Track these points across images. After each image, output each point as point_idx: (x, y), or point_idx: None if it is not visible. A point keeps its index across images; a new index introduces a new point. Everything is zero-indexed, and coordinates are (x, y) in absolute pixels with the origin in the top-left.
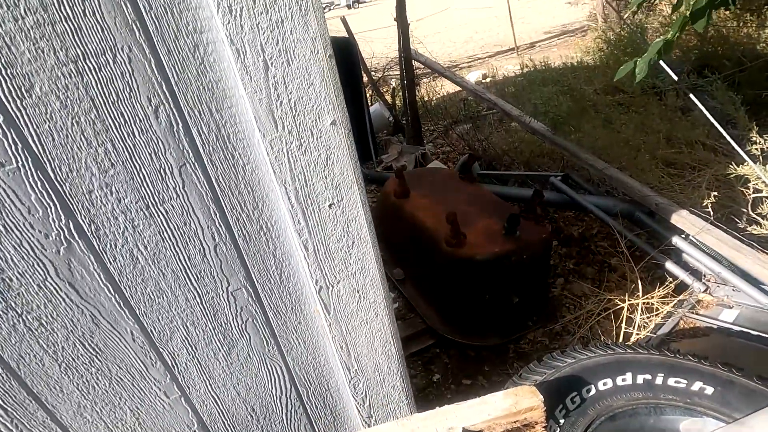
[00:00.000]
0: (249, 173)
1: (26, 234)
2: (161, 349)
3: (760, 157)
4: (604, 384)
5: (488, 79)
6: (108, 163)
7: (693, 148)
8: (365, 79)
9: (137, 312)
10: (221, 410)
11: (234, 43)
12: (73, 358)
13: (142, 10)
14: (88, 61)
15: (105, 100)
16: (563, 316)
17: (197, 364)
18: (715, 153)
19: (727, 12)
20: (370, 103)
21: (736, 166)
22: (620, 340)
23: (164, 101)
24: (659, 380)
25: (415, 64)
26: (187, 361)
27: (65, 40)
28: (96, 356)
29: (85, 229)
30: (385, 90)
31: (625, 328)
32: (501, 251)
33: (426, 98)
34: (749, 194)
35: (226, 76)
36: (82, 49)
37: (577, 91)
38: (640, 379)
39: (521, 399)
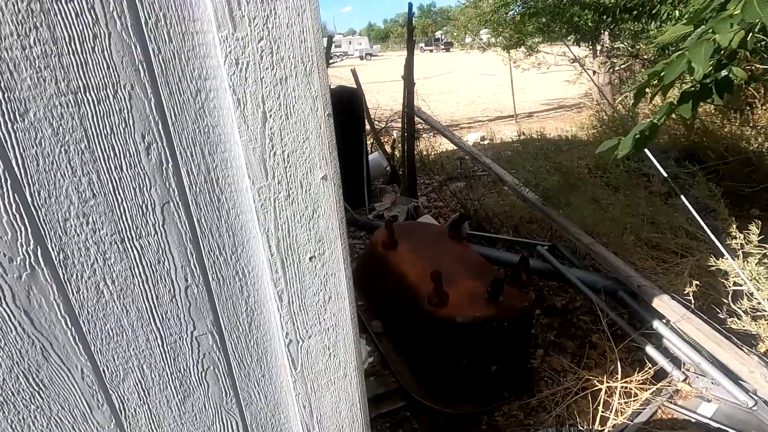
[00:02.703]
0: (233, 218)
1: None
2: (111, 391)
3: (740, 253)
4: None
5: (486, 142)
6: (89, 194)
7: (676, 234)
8: (368, 127)
9: (92, 348)
10: None
11: (236, 93)
12: (13, 393)
13: (151, 53)
14: (88, 94)
15: (98, 132)
16: (540, 391)
17: (147, 411)
18: (697, 240)
19: (713, 108)
20: (369, 151)
21: (715, 258)
22: (597, 424)
23: (158, 139)
24: None
25: (417, 119)
26: (137, 406)
27: (69, 72)
28: (39, 392)
29: (53, 257)
30: (385, 140)
31: (603, 411)
32: (482, 316)
33: (424, 152)
34: (730, 286)
35: (224, 123)
36: (84, 82)
37: (568, 167)
38: None
39: None
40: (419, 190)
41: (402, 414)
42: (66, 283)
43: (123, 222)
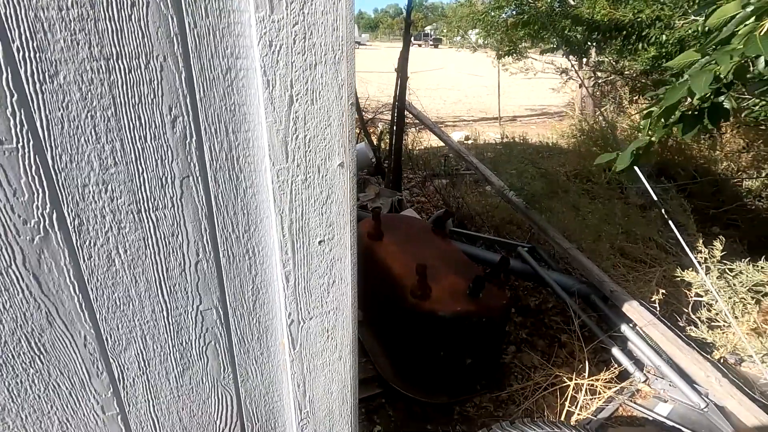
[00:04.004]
0: (249, 197)
1: (4, 216)
2: (111, 360)
3: (704, 266)
4: None
5: (470, 141)
6: (111, 161)
7: (647, 245)
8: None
9: (97, 316)
10: None
11: (266, 75)
12: (13, 355)
13: (187, 26)
14: (120, 62)
15: (126, 101)
16: (510, 385)
17: (145, 382)
18: (666, 252)
19: None
20: (356, 141)
21: (681, 270)
22: (563, 417)
23: (184, 113)
24: None
25: (406, 113)
26: (135, 376)
27: (103, 38)
28: (39, 357)
29: (68, 222)
30: (372, 131)
31: (569, 406)
32: (463, 311)
33: (410, 146)
34: (691, 297)
35: (250, 102)
36: (118, 49)
37: (551, 174)
38: None
39: None
40: (403, 183)
41: (378, 401)
42: (78, 249)
43: (141, 192)
